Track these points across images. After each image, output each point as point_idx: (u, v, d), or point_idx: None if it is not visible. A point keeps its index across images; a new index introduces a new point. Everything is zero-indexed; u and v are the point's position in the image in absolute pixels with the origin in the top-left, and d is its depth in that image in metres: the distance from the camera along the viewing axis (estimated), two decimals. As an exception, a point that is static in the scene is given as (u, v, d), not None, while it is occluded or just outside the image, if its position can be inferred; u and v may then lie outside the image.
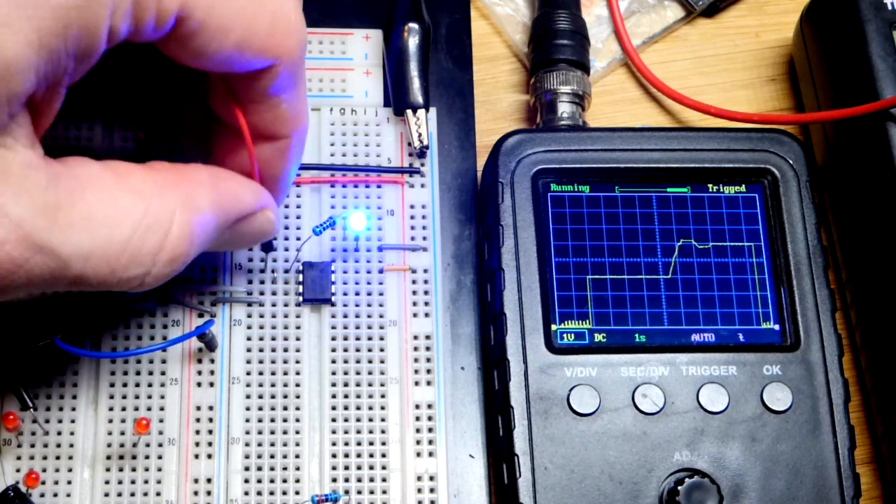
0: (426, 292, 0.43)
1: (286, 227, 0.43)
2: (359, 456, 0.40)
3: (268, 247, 0.42)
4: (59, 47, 0.28)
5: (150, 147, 0.43)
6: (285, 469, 0.40)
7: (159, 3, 0.29)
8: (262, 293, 0.42)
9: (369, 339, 0.42)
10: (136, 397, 0.40)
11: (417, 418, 0.41)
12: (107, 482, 0.39)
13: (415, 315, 0.43)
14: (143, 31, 0.30)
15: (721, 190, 0.44)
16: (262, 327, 0.42)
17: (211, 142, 0.38)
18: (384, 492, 0.40)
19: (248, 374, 0.41)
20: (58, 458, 0.40)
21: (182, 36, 0.31)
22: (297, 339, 0.42)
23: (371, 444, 0.41)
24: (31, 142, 0.29)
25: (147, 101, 0.42)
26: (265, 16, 0.32)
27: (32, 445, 0.40)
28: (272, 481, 0.40)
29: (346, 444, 0.41)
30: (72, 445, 0.40)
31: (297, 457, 0.40)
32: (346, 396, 0.41)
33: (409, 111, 0.45)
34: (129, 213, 0.31)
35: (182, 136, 0.41)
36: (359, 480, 0.40)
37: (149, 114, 0.43)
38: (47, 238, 0.29)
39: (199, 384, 0.41)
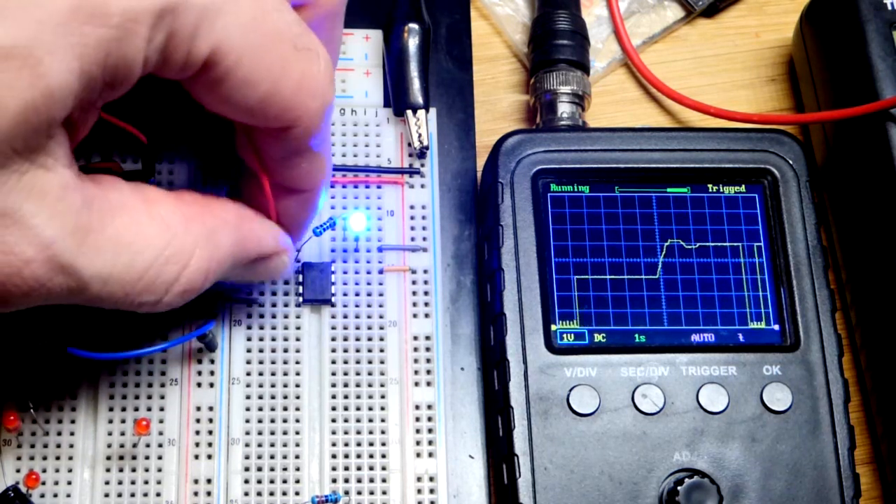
0: (426, 293, 0.43)
1: (286, 228, 0.43)
2: (359, 456, 0.41)
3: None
4: (98, 75, 0.29)
5: (153, 155, 0.43)
6: (285, 469, 0.40)
7: (192, 45, 0.30)
8: (262, 293, 0.42)
9: (369, 339, 0.42)
10: (136, 398, 0.40)
11: (417, 419, 0.41)
12: (107, 482, 0.39)
13: (415, 315, 0.43)
14: (172, 68, 0.30)
15: (721, 190, 0.44)
16: (262, 328, 0.42)
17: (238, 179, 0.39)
18: (384, 492, 0.40)
19: (248, 374, 0.41)
20: (58, 458, 0.40)
21: (209, 80, 0.31)
22: (297, 339, 0.42)
23: (371, 444, 0.41)
24: (69, 160, 0.30)
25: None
26: (293, 77, 0.32)
27: (32, 445, 0.40)
28: (272, 482, 0.40)
29: (346, 444, 0.41)
30: (72, 446, 0.40)
31: (297, 457, 0.40)
32: (346, 397, 0.41)
33: (409, 111, 0.45)
34: (153, 242, 0.32)
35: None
36: (359, 481, 0.40)
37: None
38: (73, 260, 0.30)
39: (199, 385, 0.41)
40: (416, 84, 0.45)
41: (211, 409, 0.41)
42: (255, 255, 0.37)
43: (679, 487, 0.38)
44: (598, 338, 0.41)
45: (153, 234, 0.32)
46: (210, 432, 0.40)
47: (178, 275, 0.33)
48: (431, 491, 0.40)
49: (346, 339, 0.42)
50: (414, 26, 0.45)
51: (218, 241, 0.34)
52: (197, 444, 0.40)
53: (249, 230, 0.36)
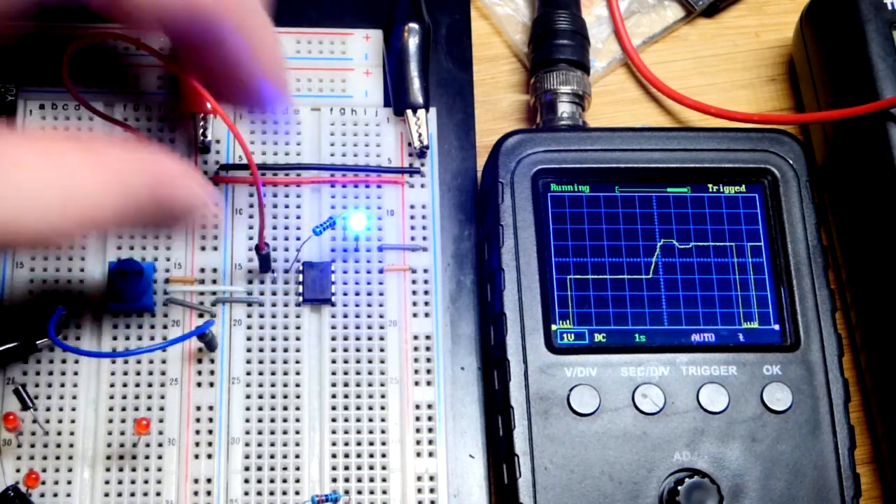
0: (426, 292, 0.43)
1: (286, 227, 0.43)
2: (359, 456, 0.40)
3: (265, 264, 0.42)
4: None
5: None
6: (285, 469, 0.40)
7: None
8: (262, 293, 0.42)
9: (369, 339, 0.42)
10: (136, 397, 0.40)
11: (417, 418, 0.41)
12: (107, 482, 0.39)
13: (415, 315, 0.43)
14: None
15: (721, 190, 0.44)
16: (262, 327, 0.42)
17: None
18: (384, 492, 0.40)
19: (248, 374, 0.41)
20: (58, 458, 0.40)
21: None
22: (297, 339, 0.42)
23: (371, 444, 0.41)
24: None
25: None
26: None
27: (32, 445, 0.40)
28: (272, 481, 0.40)
29: (346, 444, 0.41)
30: (72, 445, 0.40)
31: (297, 457, 0.40)
32: (346, 396, 0.41)
33: (409, 111, 0.45)
34: (54, 182, 0.31)
35: None
36: (359, 480, 0.40)
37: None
38: None
39: (199, 384, 0.41)
40: (416, 84, 0.45)
41: (211, 408, 0.41)
42: (158, 175, 0.34)
43: (679, 487, 0.38)
44: (599, 338, 0.41)
45: (52, 175, 0.31)
46: (210, 432, 0.40)
47: (83, 209, 0.32)
48: (431, 490, 0.40)
49: (346, 339, 0.42)
50: (414, 26, 0.45)
51: (120, 170, 0.33)
52: (197, 444, 0.40)
53: (150, 152, 0.35)
